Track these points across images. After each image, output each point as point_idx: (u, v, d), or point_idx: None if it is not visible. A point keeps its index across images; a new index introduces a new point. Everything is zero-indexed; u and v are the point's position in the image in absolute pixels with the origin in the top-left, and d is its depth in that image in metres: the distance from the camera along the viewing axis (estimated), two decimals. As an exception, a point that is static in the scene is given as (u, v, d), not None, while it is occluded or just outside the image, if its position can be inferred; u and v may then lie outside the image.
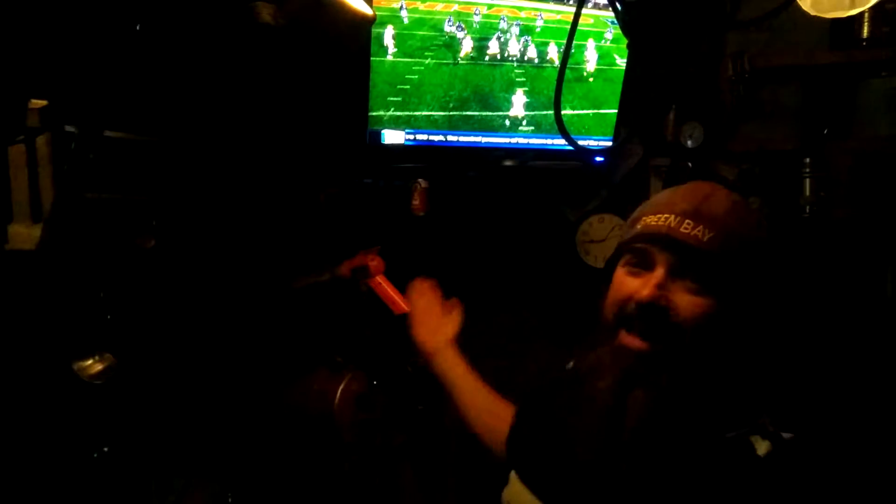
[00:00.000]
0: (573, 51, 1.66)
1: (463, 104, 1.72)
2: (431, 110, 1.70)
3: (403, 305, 1.38)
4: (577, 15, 1.18)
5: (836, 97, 1.91)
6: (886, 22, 1.78)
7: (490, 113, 1.75)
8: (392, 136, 1.68)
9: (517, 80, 1.75)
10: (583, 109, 1.83)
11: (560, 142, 1.82)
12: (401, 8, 1.58)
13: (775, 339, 0.90)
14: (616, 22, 1.50)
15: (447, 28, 1.65)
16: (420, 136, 1.71)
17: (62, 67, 1.15)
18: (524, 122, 1.79)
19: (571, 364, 1.03)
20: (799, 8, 1.07)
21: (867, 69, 1.86)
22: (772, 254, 0.88)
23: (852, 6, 1.03)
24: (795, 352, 1.80)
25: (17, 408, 1.18)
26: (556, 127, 1.30)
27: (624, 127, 1.87)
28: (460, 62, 1.69)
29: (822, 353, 1.75)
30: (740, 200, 0.88)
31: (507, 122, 1.78)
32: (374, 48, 1.57)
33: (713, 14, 1.93)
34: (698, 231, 0.82)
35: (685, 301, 0.81)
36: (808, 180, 1.86)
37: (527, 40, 1.72)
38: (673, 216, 0.84)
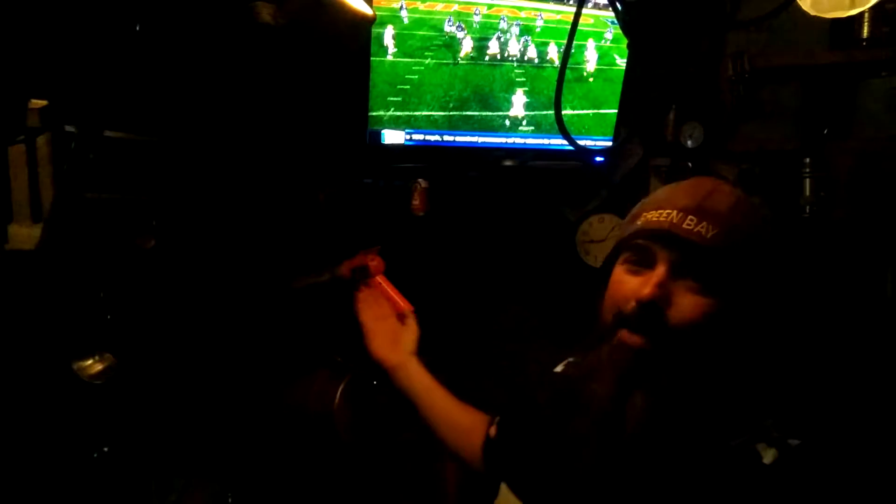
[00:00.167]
0: (573, 51, 1.66)
1: (463, 104, 1.72)
2: (431, 110, 1.70)
3: (403, 305, 1.37)
4: (577, 15, 1.18)
5: (836, 97, 1.91)
6: (886, 22, 1.78)
7: (490, 113, 1.75)
8: (392, 136, 1.68)
9: (517, 80, 1.75)
10: (583, 109, 1.83)
11: (560, 142, 1.82)
12: (401, 8, 1.58)
13: (778, 340, 0.88)
14: (616, 22, 1.50)
15: (447, 28, 1.65)
16: (420, 136, 1.71)
17: (62, 67, 1.15)
18: (524, 122, 1.79)
19: (561, 368, 1.00)
20: (799, 8, 1.07)
21: (867, 69, 1.86)
22: (777, 252, 0.84)
23: (852, 6, 1.03)
24: (796, 353, 1.80)
25: (18, 408, 1.18)
26: (556, 127, 1.30)
27: (624, 127, 1.87)
28: (460, 62, 1.69)
29: (822, 354, 1.75)
30: (744, 196, 0.84)
31: (507, 122, 1.78)
32: (374, 48, 1.57)
33: (713, 14, 1.93)
34: (702, 228, 0.78)
35: (687, 301, 0.77)
36: (808, 180, 1.86)
37: (527, 40, 1.72)
38: (675, 212, 0.80)
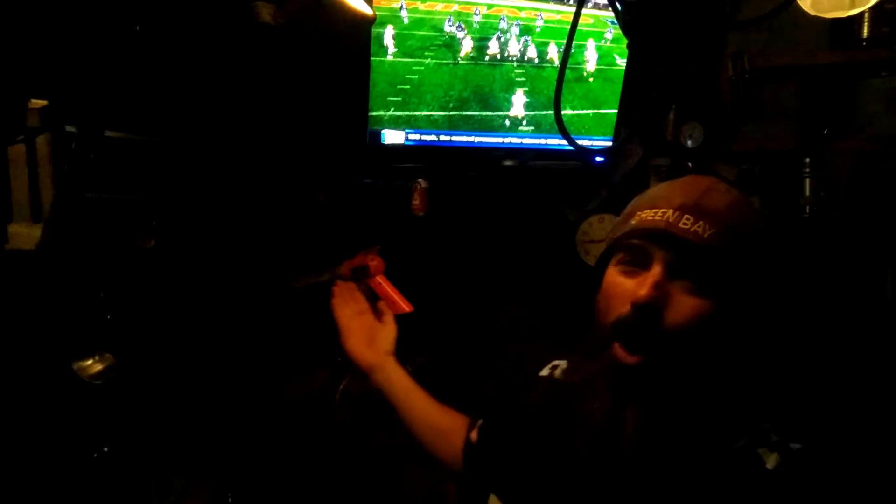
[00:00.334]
0: (573, 51, 1.66)
1: (463, 104, 1.72)
2: (431, 110, 1.70)
3: (404, 306, 1.37)
4: (577, 15, 1.18)
5: (836, 97, 1.91)
6: (886, 22, 1.78)
7: (490, 113, 1.75)
8: (392, 136, 1.68)
9: (517, 80, 1.75)
10: (583, 109, 1.83)
11: (560, 142, 1.82)
12: (401, 8, 1.58)
13: (776, 341, 0.86)
14: (616, 22, 1.50)
15: (447, 28, 1.65)
16: (420, 136, 1.71)
17: (62, 67, 1.15)
18: (524, 122, 1.79)
19: (547, 371, 0.98)
20: (799, 8, 1.07)
21: (867, 69, 1.86)
22: (773, 251, 0.82)
23: (852, 6, 1.03)
24: (796, 353, 1.80)
25: (18, 408, 1.18)
26: (556, 127, 1.30)
27: (624, 127, 1.87)
28: (460, 62, 1.69)
29: (822, 354, 1.75)
30: (740, 195, 0.82)
31: (507, 122, 1.78)
32: (374, 48, 1.57)
33: (713, 14, 1.93)
34: (698, 227, 0.75)
35: (684, 302, 0.75)
36: (808, 180, 1.86)
37: (527, 40, 1.73)
38: (671, 210, 0.77)
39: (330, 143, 1.66)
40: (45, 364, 1.21)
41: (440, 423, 1.11)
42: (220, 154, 1.47)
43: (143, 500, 1.37)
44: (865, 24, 1.79)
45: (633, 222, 0.81)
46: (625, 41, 1.76)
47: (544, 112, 1.79)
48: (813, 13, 1.06)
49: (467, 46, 1.68)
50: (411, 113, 1.68)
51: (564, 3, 1.73)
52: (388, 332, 1.22)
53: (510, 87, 1.75)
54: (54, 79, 1.15)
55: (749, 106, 1.94)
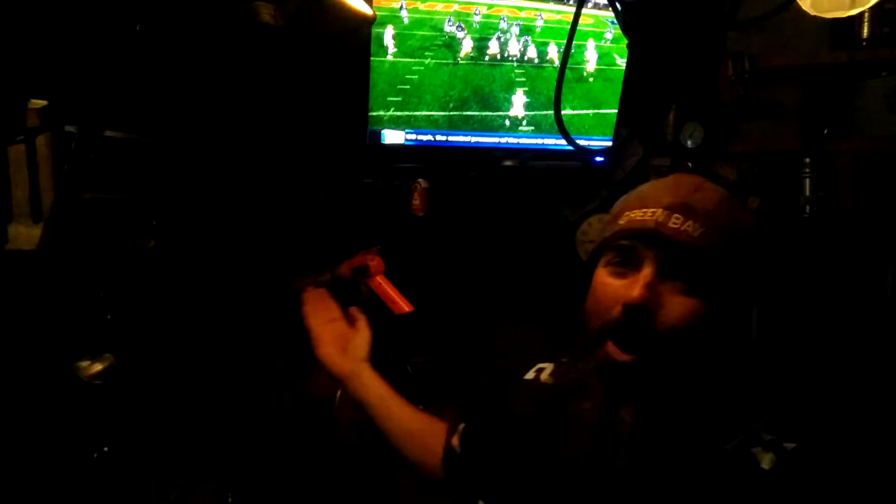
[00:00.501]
0: (573, 51, 1.66)
1: (463, 104, 1.72)
2: (431, 110, 1.70)
3: (404, 306, 1.37)
4: (577, 15, 1.18)
5: (836, 97, 1.91)
6: (886, 22, 1.78)
7: (490, 113, 1.76)
8: (392, 136, 1.68)
9: (517, 80, 1.75)
10: (583, 109, 1.84)
11: (560, 142, 1.82)
12: (401, 8, 1.58)
13: (767, 339, 0.85)
14: (616, 22, 1.50)
15: (447, 28, 1.65)
16: (420, 136, 1.71)
17: (62, 67, 1.15)
18: (524, 122, 1.79)
19: (532, 374, 0.97)
20: (799, 8, 1.07)
21: (867, 69, 1.86)
22: (764, 250, 0.81)
23: (852, 6, 1.03)
24: (794, 353, 1.80)
25: (18, 408, 1.19)
26: (556, 127, 1.30)
27: (624, 127, 1.87)
28: (460, 62, 1.69)
29: (820, 354, 1.75)
30: (728, 193, 0.81)
31: (507, 122, 1.78)
32: (374, 48, 1.57)
33: (713, 14, 1.93)
34: (688, 226, 0.74)
35: (676, 302, 0.74)
36: (808, 180, 1.86)
37: (527, 40, 1.73)
38: (660, 210, 0.76)
39: (330, 143, 1.66)
40: (46, 364, 1.21)
41: (418, 429, 1.09)
42: (219, 154, 1.47)
43: (143, 500, 1.37)
44: (865, 24, 1.79)
45: (621, 222, 0.80)
46: (625, 41, 1.76)
47: (544, 112, 1.79)
48: (813, 13, 1.06)
49: (467, 46, 1.68)
50: (411, 113, 1.68)
51: (564, 3, 1.73)
52: (361, 339, 1.18)
53: (510, 87, 1.75)
54: (54, 79, 1.15)
55: (749, 106, 1.94)
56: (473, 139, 1.76)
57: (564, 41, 1.26)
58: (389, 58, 1.60)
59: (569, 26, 1.19)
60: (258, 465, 1.50)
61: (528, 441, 0.85)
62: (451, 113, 1.72)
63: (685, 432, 0.75)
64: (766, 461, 0.71)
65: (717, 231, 0.75)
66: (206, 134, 1.43)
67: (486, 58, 1.71)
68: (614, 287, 0.78)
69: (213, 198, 1.48)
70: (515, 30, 1.71)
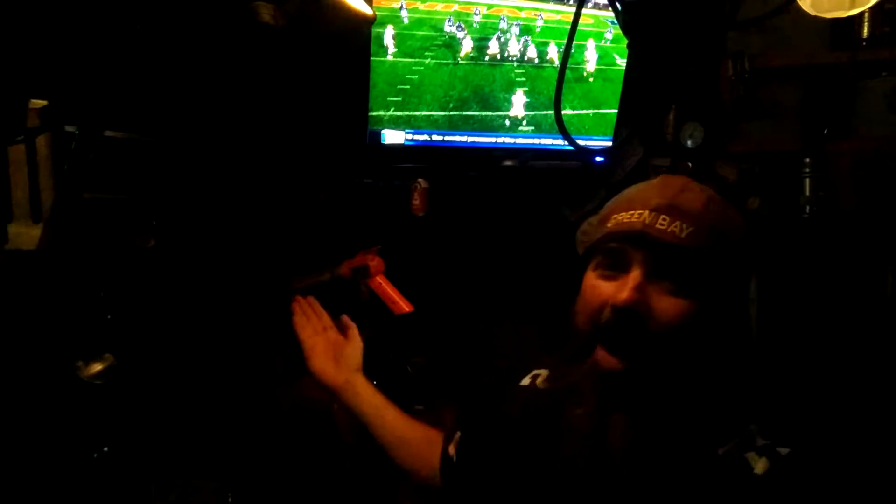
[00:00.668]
0: (573, 51, 1.66)
1: (463, 104, 1.72)
2: (431, 110, 1.70)
3: (404, 306, 1.37)
4: (577, 15, 1.18)
5: (836, 97, 1.91)
6: (886, 22, 1.78)
7: (490, 113, 1.76)
8: (392, 136, 1.68)
9: (517, 80, 1.75)
10: (583, 109, 1.84)
11: (560, 142, 1.82)
12: (401, 8, 1.58)
13: (767, 339, 0.85)
14: (616, 22, 1.50)
15: (447, 28, 1.65)
16: (420, 136, 1.71)
17: (62, 67, 1.15)
18: (524, 122, 1.79)
19: (528, 381, 0.96)
20: (799, 8, 1.07)
21: (867, 69, 1.86)
22: (750, 249, 0.82)
23: (852, 6, 1.03)
24: (793, 353, 1.80)
25: (18, 408, 1.18)
26: (556, 127, 1.30)
27: (624, 127, 1.87)
28: (460, 62, 1.69)
29: (820, 355, 1.75)
30: (714, 194, 0.81)
31: (507, 122, 1.78)
32: (374, 48, 1.57)
33: (713, 14, 1.93)
34: (675, 227, 0.75)
35: (665, 303, 0.74)
36: (808, 180, 1.86)
37: (527, 40, 1.73)
38: (647, 212, 0.77)
39: (330, 143, 1.66)
40: (46, 364, 1.21)
41: (413, 438, 1.09)
42: (220, 154, 1.47)
43: (143, 500, 1.37)
44: (865, 24, 1.79)
45: (609, 225, 0.80)
46: (625, 41, 1.76)
47: (544, 112, 1.80)
48: (813, 13, 1.06)
49: (467, 46, 1.68)
50: (411, 113, 1.68)
51: (564, 3, 1.73)
52: (353, 349, 1.18)
53: (510, 87, 1.75)
54: (54, 79, 1.15)
55: (749, 106, 1.94)
56: (473, 139, 1.76)
57: (564, 41, 1.26)
58: (389, 58, 1.60)
59: (569, 26, 1.20)
60: (258, 465, 1.50)
61: (524, 448, 0.84)
62: (451, 113, 1.72)
63: (678, 437, 0.74)
64: (760, 466, 0.70)
65: (705, 231, 0.76)
66: (206, 134, 1.43)
67: (486, 58, 1.71)
68: (603, 289, 0.78)
69: (213, 198, 1.48)
70: (515, 30, 1.71)
